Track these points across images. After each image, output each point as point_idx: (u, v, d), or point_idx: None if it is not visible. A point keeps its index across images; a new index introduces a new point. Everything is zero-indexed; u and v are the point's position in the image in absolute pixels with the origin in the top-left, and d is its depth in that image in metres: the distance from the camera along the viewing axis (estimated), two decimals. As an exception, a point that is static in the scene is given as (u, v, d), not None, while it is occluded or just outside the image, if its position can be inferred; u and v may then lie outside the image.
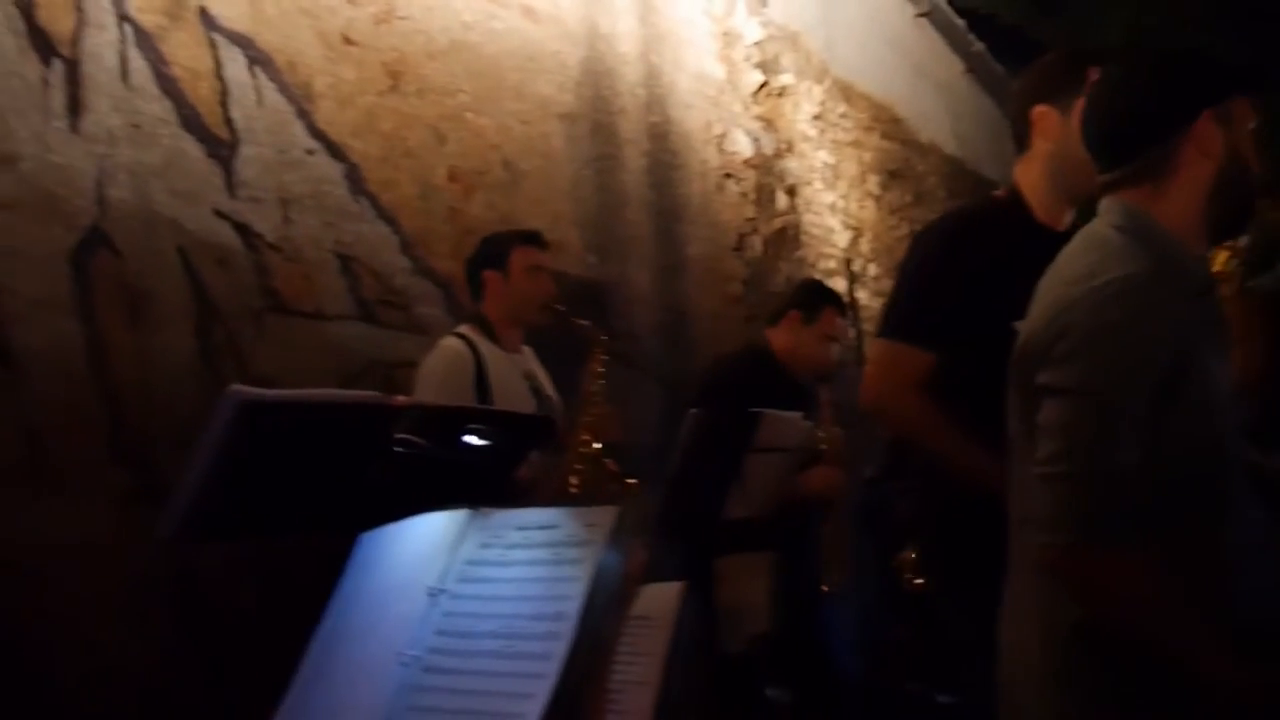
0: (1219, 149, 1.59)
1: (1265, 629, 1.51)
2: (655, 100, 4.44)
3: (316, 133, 3.05)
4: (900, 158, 6.86)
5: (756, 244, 5.07)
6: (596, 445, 2.68)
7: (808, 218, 5.51)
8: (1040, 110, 2.16)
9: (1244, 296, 2.41)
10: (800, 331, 3.38)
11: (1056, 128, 2.13)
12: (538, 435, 1.81)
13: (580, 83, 4.04)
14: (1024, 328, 1.62)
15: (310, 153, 3.04)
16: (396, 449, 1.48)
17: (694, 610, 3.03)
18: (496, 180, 3.62)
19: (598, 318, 3.87)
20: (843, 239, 5.87)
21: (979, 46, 9.26)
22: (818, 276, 5.55)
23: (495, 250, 2.92)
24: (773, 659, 2.98)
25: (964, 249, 2.11)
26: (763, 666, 2.92)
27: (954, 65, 8.62)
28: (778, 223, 5.23)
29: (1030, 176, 2.20)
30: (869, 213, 6.23)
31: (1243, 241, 2.47)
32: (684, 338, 4.39)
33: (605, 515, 1.22)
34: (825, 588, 3.03)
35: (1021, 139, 2.23)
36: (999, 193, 2.29)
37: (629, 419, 3.70)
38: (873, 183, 6.35)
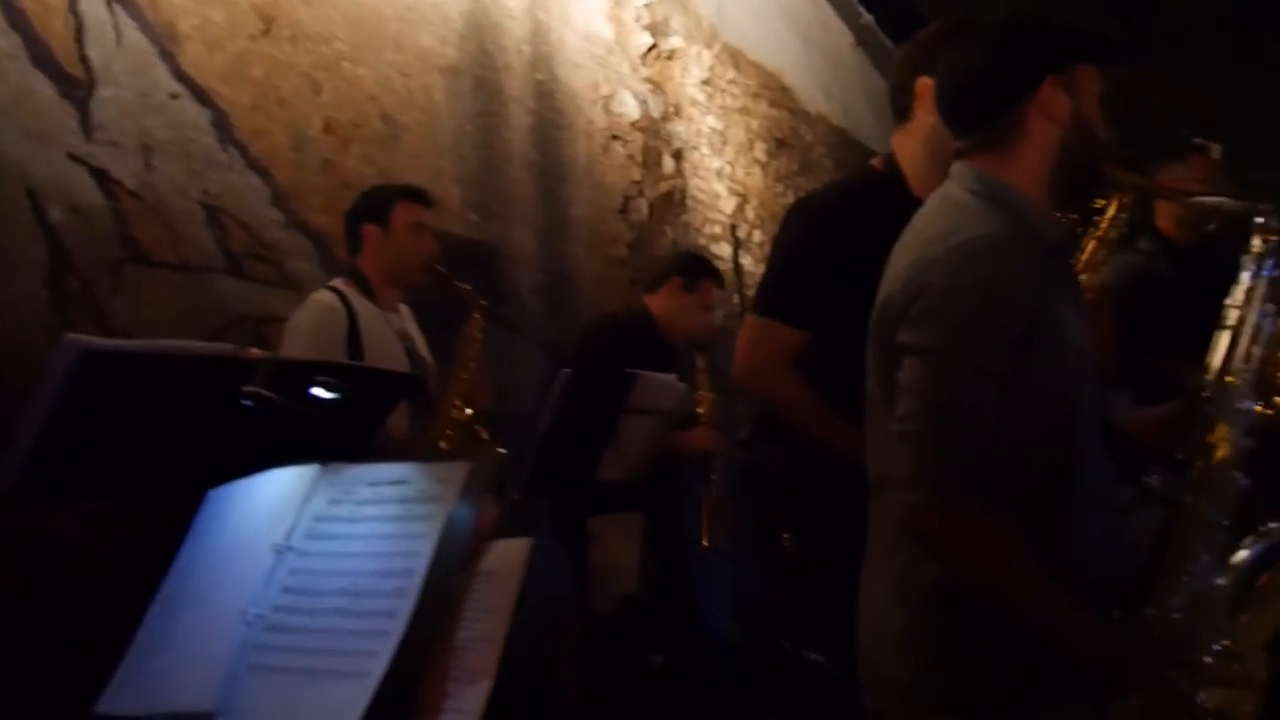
0: (1064, 115, 1.61)
1: (1113, 585, 1.56)
2: (541, 58, 4.38)
3: (181, 76, 2.92)
4: (788, 126, 6.92)
5: (642, 207, 5.06)
6: (469, 411, 2.64)
7: (694, 182, 5.52)
8: (924, 82, 2.13)
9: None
10: (680, 299, 3.41)
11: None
12: (405, 393, 1.77)
13: (463, 36, 3.95)
14: (882, 289, 1.64)
15: (174, 97, 2.92)
16: (248, 403, 1.43)
17: (566, 570, 3.04)
18: (374, 133, 3.53)
19: (478, 278, 3.82)
20: (729, 205, 5.90)
21: (868, 19, 9.36)
22: (703, 241, 5.58)
23: (377, 204, 2.83)
24: (646, 620, 3.00)
25: (836, 226, 2.12)
26: (635, 628, 2.94)
27: (843, 37, 8.69)
28: (664, 186, 5.22)
29: (908, 148, 2.20)
30: (755, 180, 6.26)
31: (1112, 232, 2.54)
32: (567, 300, 4.36)
33: (457, 471, 1.20)
34: (705, 543, 3.05)
35: (903, 110, 2.21)
36: (876, 162, 2.30)
37: (509, 383, 3.68)
38: (760, 150, 6.38)
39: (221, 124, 3.03)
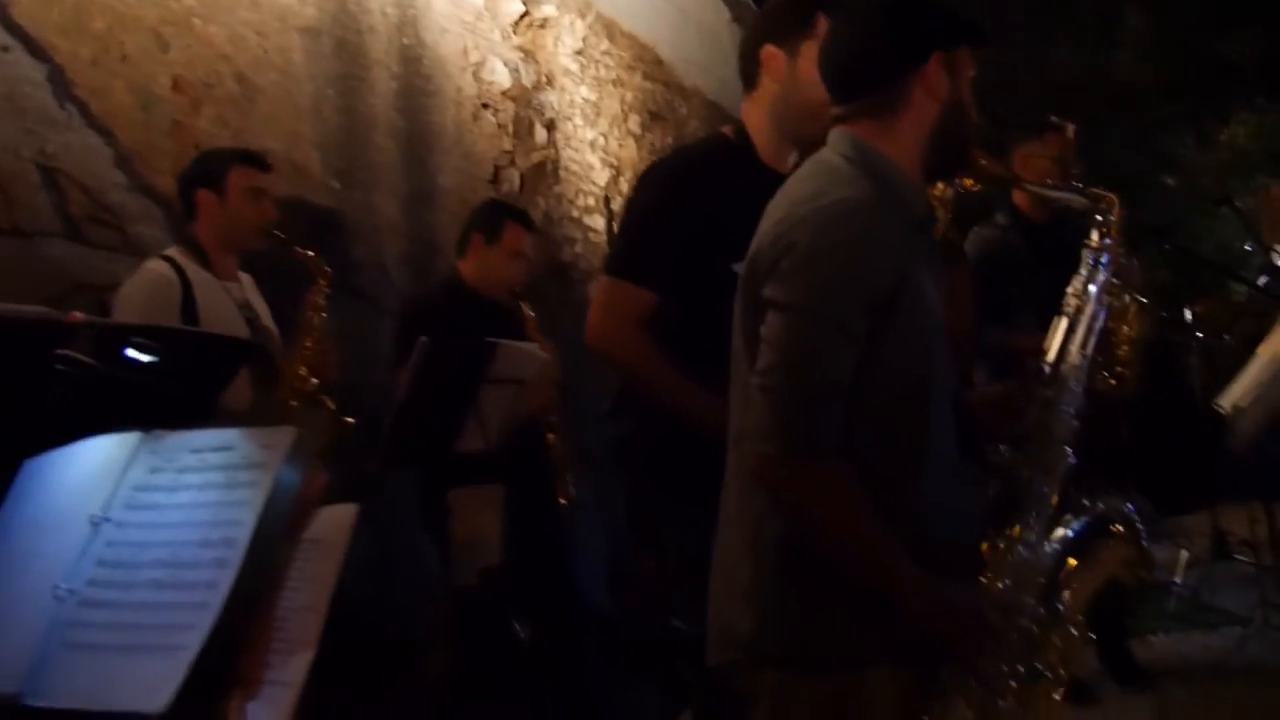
0: (944, 92, 1.66)
1: (955, 551, 1.61)
2: (407, 21, 4.26)
3: (12, 26, 2.75)
4: (663, 99, 6.91)
5: (514, 177, 5.00)
6: (314, 381, 2.55)
7: (567, 154, 5.47)
8: (769, 50, 2.17)
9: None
10: (486, 254, 3.34)
11: (783, 69, 2.15)
12: (240, 360, 1.70)
13: (324, -4, 3.82)
14: (752, 245, 1.66)
15: (5, 49, 2.74)
16: (63, 368, 1.35)
17: (428, 543, 2.99)
18: (228, 94, 3.39)
19: (339, 247, 3.72)
20: (602, 177, 5.87)
21: (745, -4, 9.43)
22: (576, 214, 5.54)
23: (211, 168, 2.72)
24: (511, 592, 2.98)
25: (687, 188, 2.12)
26: (500, 600, 2.91)
27: (720, 13, 8.72)
28: (536, 157, 5.16)
29: (756, 116, 2.22)
30: (629, 152, 6.25)
31: (948, 194, 2.61)
32: (433, 270, 4.27)
33: (282, 436, 1.16)
34: (564, 501, 3.01)
35: (750, 78, 2.23)
36: (727, 130, 2.31)
37: (370, 354, 3.59)
38: (634, 122, 6.36)
39: (58, 79, 2.86)
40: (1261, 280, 4.66)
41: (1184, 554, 5.07)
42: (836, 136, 1.69)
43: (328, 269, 2.79)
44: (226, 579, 1.06)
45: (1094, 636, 3.84)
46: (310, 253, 2.77)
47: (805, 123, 2.09)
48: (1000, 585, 1.63)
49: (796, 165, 2.30)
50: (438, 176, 4.40)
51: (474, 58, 4.72)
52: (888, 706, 1.55)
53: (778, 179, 1.91)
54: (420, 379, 2.40)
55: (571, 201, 5.48)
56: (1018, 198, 3.94)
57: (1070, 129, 3.85)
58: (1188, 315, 5.34)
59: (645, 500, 2.78)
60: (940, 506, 1.62)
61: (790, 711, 1.57)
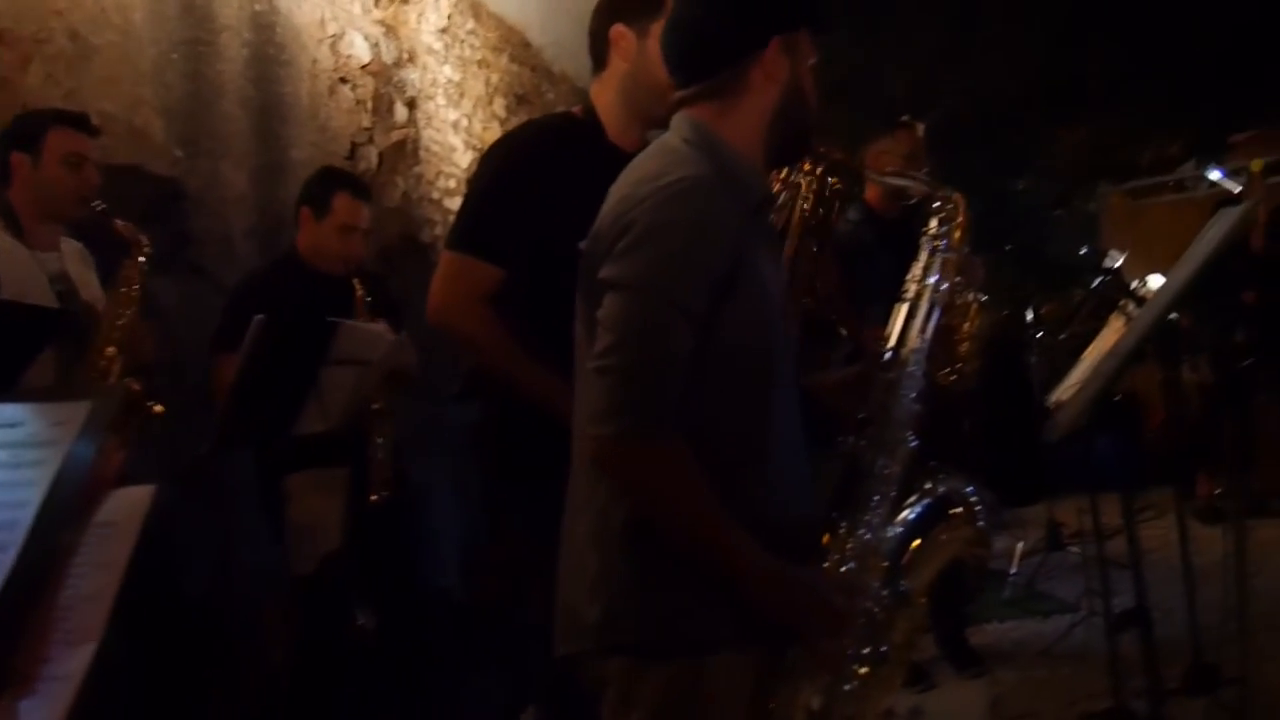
0: (785, 77, 1.66)
1: (800, 534, 1.63)
2: (260, -14, 4.10)
3: None
4: (530, 83, 6.84)
5: (372, 155, 4.86)
6: (121, 360, 2.39)
7: (428, 133, 5.35)
8: (618, 30, 2.16)
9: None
10: (316, 229, 3.21)
11: (633, 48, 2.14)
12: (44, 332, 1.58)
13: (170, -45, 3.64)
14: (593, 228, 1.64)
15: None
16: None
17: (264, 530, 2.88)
18: (60, 51, 3.19)
19: (179, 218, 3.55)
20: (465, 159, 5.76)
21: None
22: (437, 195, 5.43)
23: (27, 130, 2.54)
24: (352, 579, 2.89)
25: (533, 163, 2.10)
26: (340, 587, 2.82)
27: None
28: (396, 135, 5.03)
29: (605, 96, 2.21)
30: (494, 134, 6.14)
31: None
32: (282, 247, 4.12)
33: (76, 412, 1.08)
34: (374, 498, 2.89)
35: (599, 58, 2.23)
36: (576, 110, 2.29)
37: (209, 333, 3.44)
38: (499, 105, 6.28)
39: None
40: (1096, 282, 4.88)
41: (1019, 545, 5.29)
42: (678, 120, 1.69)
43: (145, 241, 2.61)
44: (4, 564, 0.98)
45: (933, 624, 3.99)
46: (126, 224, 2.58)
47: (654, 103, 2.09)
48: (845, 568, 1.66)
49: (645, 145, 2.30)
50: (291, 150, 4.24)
51: (332, 29, 4.56)
52: (735, 691, 1.55)
53: (625, 158, 1.89)
54: (254, 358, 2.30)
55: (431, 183, 5.36)
56: (870, 193, 4.03)
57: (921, 127, 3.96)
58: (1029, 314, 5.59)
59: (496, 486, 2.74)
60: (784, 487, 1.63)
61: (638, 699, 1.55)
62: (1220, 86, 8.64)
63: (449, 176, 5.57)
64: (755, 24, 1.66)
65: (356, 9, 4.78)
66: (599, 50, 2.20)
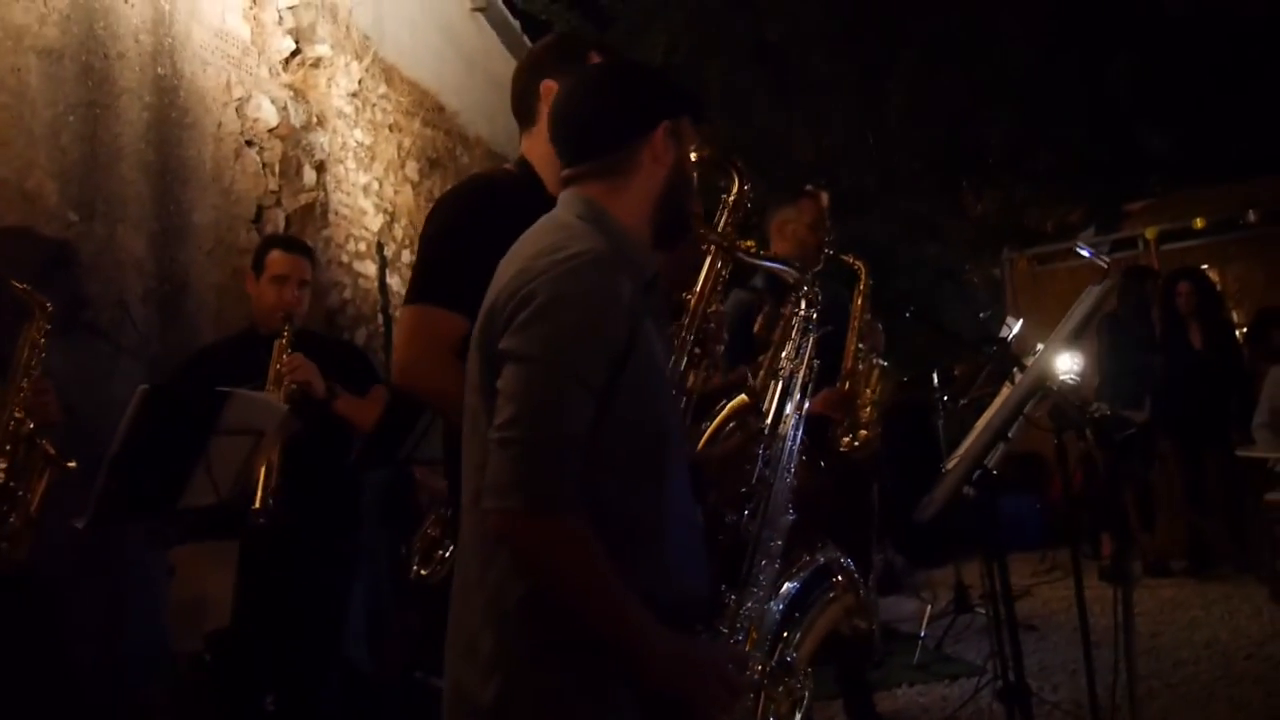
0: (671, 160, 1.72)
1: (693, 606, 1.62)
2: (163, 51, 4.05)
3: None
4: (443, 147, 6.85)
5: (279, 218, 4.80)
6: (30, 425, 2.34)
7: (338, 197, 5.31)
8: (549, 85, 2.20)
9: None
10: (255, 288, 3.33)
11: None
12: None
13: (69, 17, 3.58)
14: (486, 299, 1.64)
15: None
16: None
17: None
18: (-51, 113, 3.11)
19: (71, 281, 3.46)
20: (375, 222, 5.73)
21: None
22: (346, 259, 5.39)
23: None
24: (244, 656, 2.78)
25: (482, 213, 2.11)
26: (229, 665, 2.72)
27: (508, 63, 8.75)
28: (304, 198, 4.99)
29: (539, 149, 2.22)
30: (405, 198, 6.14)
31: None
32: (183, 309, 4.05)
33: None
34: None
35: (529, 114, 2.26)
36: (508, 166, 2.32)
37: (106, 398, 3.34)
38: (411, 169, 6.27)
39: None
40: (991, 350, 4.98)
41: (928, 607, 5.33)
42: (568, 197, 1.71)
43: (48, 305, 2.56)
44: None
45: (841, 690, 3.98)
46: (24, 287, 2.53)
47: None
48: (734, 640, 1.67)
49: None
50: (193, 213, 4.17)
51: (238, 93, 4.53)
52: None
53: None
54: (135, 428, 2.23)
55: (341, 246, 5.32)
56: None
57: (824, 197, 4.02)
58: (934, 378, 5.69)
59: (418, 554, 2.67)
60: (679, 562, 1.62)
61: None
62: (1115, 156, 8.99)
63: (359, 240, 5.53)
64: (647, 109, 1.72)
65: (264, 73, 4.75)
66: (528, 107, 2.24)
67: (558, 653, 1.52)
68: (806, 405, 1.94)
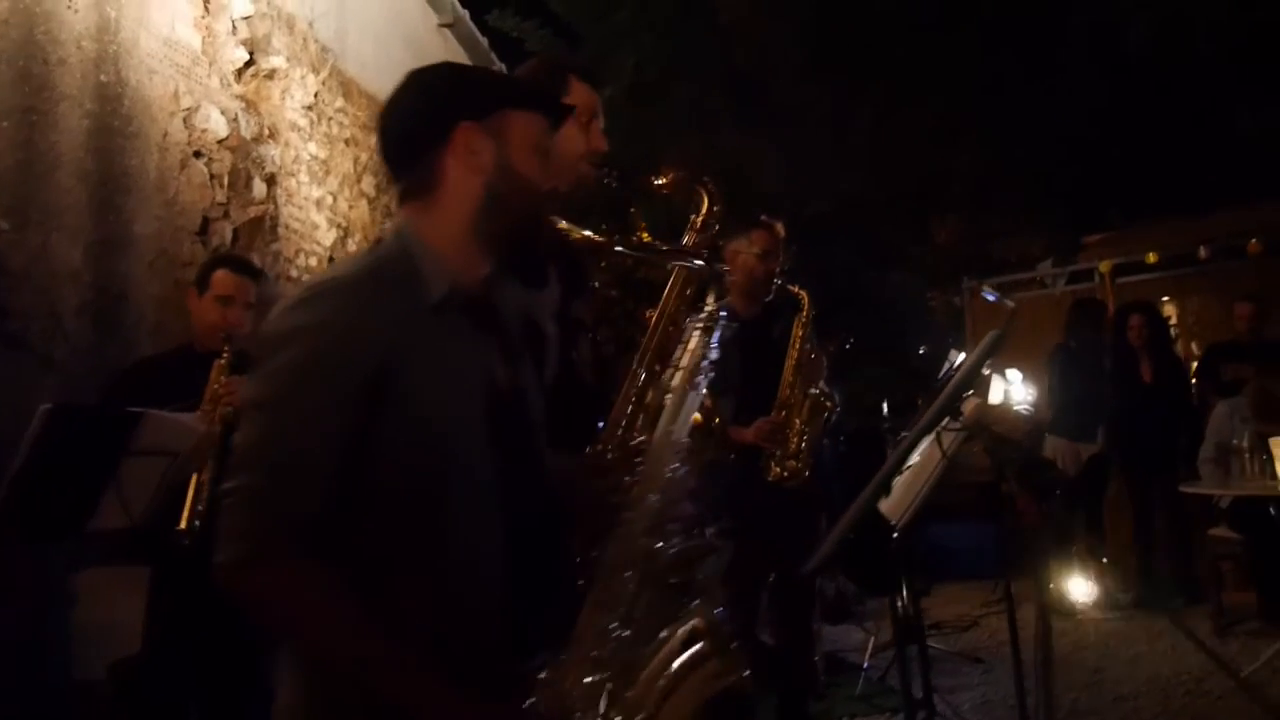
0: (487, 164, 1.57)
1: (486, 663, 1.46)
2: (107, 58, 3.99)
3: None
4: (403, 162, 6.80)
5: (226, 230, 4.74)
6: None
7: (289, 210, 5.25)
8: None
9: None
10: (196, 304, 3.28)
11: None
12: None
13: (7, 22, 3.51)
14: None
15: None
16: None
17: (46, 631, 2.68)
18: (-128, 118, 3.04)
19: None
20: (328, 237, 5.67)
21: (500, 67, 9.50)
22: (296, 273, 5.32)
23: None
24: (156, 685, 2.70)
25: None
26: (133, 695, 2.63)
27: (473, 80, 8.72)
28: (253, 211, 4.92)
29: None
30: (360, 213, 6.08)
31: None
32: (120, 321, 3.97)
33: None
34: None
35: None
36: None
37: (26, 410, 3.26)
38: (368, 183, 6.21)
39: None
40: (937, 382, 4.99)
41: (872, 638, 5.30)
42: (394, 219, 1.64)
43: None
44: None
45: (781, 720, 3.93)
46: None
47: (562, 175, 2.12)
48: (581, 681, 1.43)
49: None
50: (134, 224, 4.10)
51: (186, 103, 4.46)
52: None
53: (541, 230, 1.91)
54: (38, 449, 2.16)
55: (290, 260, 5.25)
56: (733, 293, 4.05)
57: (779, 227, 4.01)
58: (885, 409, 5.70)
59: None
60: (464, 613, 1.47)
61: None
62: (1074, 189, 9.07)
63: (310, 254, 5.47)
64: (436, 114, 1.58)
65: (215, 83, 4.69)
66: None
67: (331, 705, 1.42)
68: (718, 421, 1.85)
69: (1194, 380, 6.69)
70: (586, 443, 1.97)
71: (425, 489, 1.45)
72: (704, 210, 2.29)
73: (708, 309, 1.78)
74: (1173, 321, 7.87)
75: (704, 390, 1.74)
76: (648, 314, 2.42)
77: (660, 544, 1.57)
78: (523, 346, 1.72)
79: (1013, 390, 6.93)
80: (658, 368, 2.17)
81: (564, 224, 1.74)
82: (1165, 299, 7.87)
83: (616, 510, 1.60)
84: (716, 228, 2.30)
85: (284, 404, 1.41)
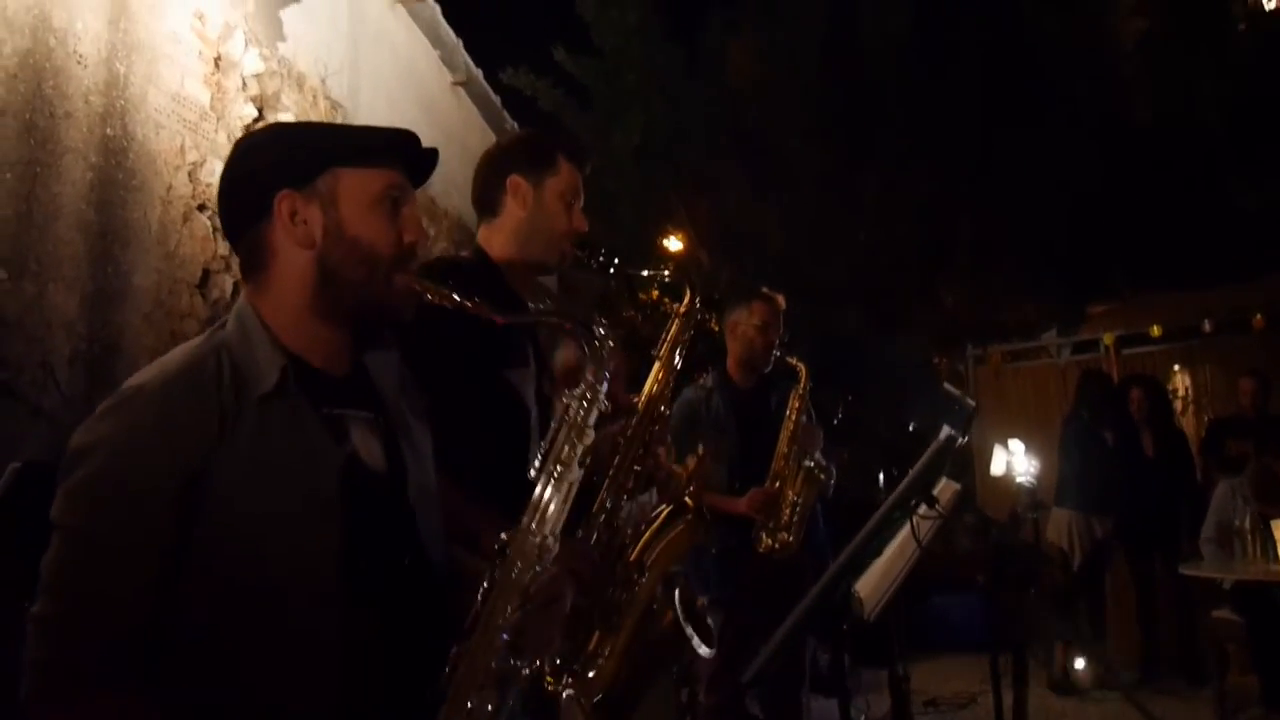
0: (316, 232, 1.47)
1: None
2: (114, 112, 4.04)
3: None
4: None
5: (226, 283, 4.76)
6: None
7: (291, 264, 5.28)
8: (515, 180, 2.28)
9: None
10: None
11: (530, 198, 2.24)
12: None
13: (16, 76, 3.56)
14: None
15: None
16: None
17: None
18: (-127, 167, 3.07)
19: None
20: (330, 291, 5.69)
21: (511, 125, 9.61)
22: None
23: None
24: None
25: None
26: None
27: (485, 137, 8.85)
28: (254, 264, 4.95)
29: (499, 241, 2.30)
30: (364, 268, 6.11)
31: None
32: (113, 372, 3.97)
33: None
34: None
35: (491, 205, 2.31)
36: (465, 254, 2.35)
37: (13, 460, 3.25)
38: (373, 238, 6.25)
39: None
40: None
41: (862, 715, 5.22)
42: None
43: None
44: None
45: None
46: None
47: (547, 250, 2.21)
48: None
49: (535, 290, 2.35)
50: (132, 275, 4.13)
51: (192, 157, 4.51)
52: None
53: (520, 303, 2.08)
54: (4, 508, 2.15)
55: (291, 313, 5.27)
56: (729, 363, 4.07)
57: (780, 299, 4.04)
58: (880, 480, 5.65)
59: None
60: (300, 709, 1.38)
61: None
62: (1078, 258, 9.09)
63: (311, 308, 5.48)
64: (255, 184, 1.48)
65: (222, 138, 4.74)
66: (491, 198, 2.29)
67: None
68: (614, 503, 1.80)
69: (1198, 454, 6.63)
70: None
71: (245, 589, 1.35)
72: (685, 302, 2.32)
73: (580, 387, 1.62)
74: (1180, 393, 7.83)
75: (575, 478, 1.56)
76: (634, 399, 2.40)
77: (521, 665, 1.44)
78: (405, 417, 1.60)
79: (1015, 461, 6.88)
80: (640, 452, 2.16)
81: (427, 285, 1.59)
82: (1177, 368, 7.83)
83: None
84: (699, 318, 2.33)
85: (83, 526, 1.33)
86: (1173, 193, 8.67)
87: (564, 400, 1.61)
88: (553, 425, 1.61)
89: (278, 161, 1.49)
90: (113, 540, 1.32)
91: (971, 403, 3.23)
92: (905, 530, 2.73)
